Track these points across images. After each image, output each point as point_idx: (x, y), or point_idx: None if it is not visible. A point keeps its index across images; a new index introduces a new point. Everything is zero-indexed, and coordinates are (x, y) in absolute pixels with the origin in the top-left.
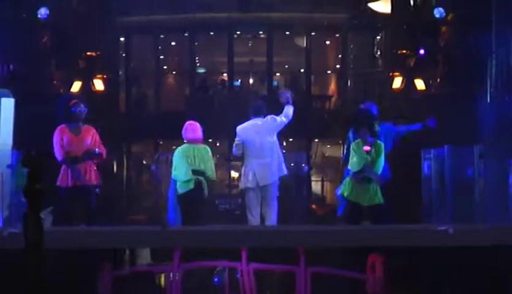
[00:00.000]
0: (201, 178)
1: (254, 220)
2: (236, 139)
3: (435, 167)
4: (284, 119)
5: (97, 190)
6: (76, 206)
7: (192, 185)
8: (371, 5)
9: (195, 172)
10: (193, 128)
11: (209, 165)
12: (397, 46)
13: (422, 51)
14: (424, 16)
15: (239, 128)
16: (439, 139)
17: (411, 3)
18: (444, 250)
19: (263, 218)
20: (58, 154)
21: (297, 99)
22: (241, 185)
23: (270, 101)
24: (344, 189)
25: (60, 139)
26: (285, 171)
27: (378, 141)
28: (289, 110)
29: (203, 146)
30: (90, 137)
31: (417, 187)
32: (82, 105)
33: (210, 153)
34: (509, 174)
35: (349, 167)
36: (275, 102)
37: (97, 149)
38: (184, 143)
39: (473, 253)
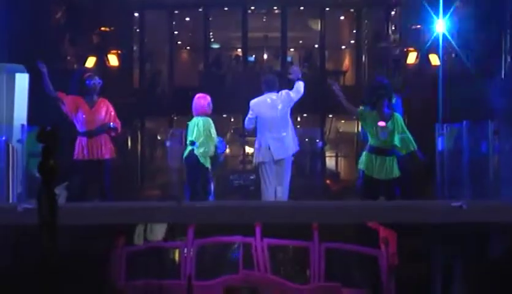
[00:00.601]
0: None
1: (269, 194)
2: (250, 113)
3: (449, 142)
4: (295, 94)
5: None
6: (91, 180)
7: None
8: None
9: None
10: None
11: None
12: (412, 21)
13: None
14: None
15: (252, 102)
16: (454, 115)
17: None
18: (458, 226)
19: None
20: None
21: (311, 74)
22: (255, 160)
23: (284, 76)
24: (361, 163)
25: (74, 108)
26: (297, 148)
27: (396, 114)
28: (300, 86)
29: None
30: (105, 110)
31: (432, 162)
32: (97, 78)
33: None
34: None
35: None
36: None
37: (112, 123)
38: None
39: (487, 229)
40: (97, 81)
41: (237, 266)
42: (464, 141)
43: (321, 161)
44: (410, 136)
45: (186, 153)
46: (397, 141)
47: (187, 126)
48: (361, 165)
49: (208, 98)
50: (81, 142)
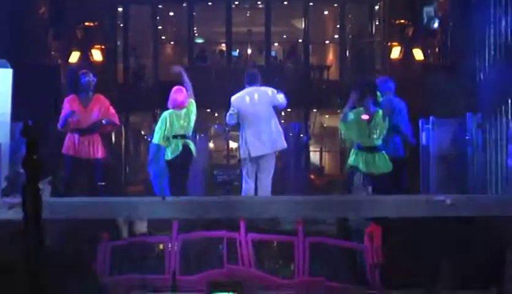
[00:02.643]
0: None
1: (248, 189)
2: (231, 108)
3: (433, 137)
4: (279, 101)
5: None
6: (80, 177)
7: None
8: None
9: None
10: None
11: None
12: (396, 15)
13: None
14: None
15: (233, 97)
16: (438, 109)
17: None
18: (442, 220)
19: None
20: (60, 123)
21: (295, 69)
22: (240, 155)
23: (268, 71)
24: (350, 161)
25: (68, 107)
26: (284, 145)
27: (379, 110)
28: (283, 99)
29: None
30: (99, 108)
31: (416, 156)
32: (91, 74)
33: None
34: (508, 145)
35: (350, 137)
36: (273, 72)
37: (104, 120)
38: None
39: (471, 223)
40: (91, 77)
41: (221, 261)
42: (449, 135)
43: (305, 155)
44: (384, 127)
45: (179, 148)
46: (381, 133)
47: (160, 119)
48: (350, 162)
49: (185, 91)
50: (72, 138)
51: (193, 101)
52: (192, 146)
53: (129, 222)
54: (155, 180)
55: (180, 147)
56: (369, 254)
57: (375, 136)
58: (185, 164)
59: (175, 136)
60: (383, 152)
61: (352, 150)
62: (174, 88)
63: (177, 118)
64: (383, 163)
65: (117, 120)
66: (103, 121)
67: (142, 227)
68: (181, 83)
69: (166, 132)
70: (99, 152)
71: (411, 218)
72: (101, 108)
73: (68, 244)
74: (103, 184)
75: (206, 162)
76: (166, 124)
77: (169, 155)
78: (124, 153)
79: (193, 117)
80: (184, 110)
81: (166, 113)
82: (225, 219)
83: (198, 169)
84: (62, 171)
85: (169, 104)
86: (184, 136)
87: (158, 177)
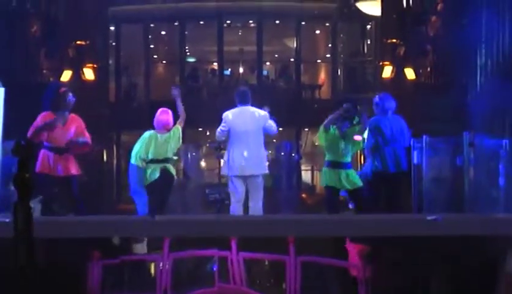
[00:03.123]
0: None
1: (235, 207)
2: (222, 124)
3: (426, 156)
4: (270, 127)
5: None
6: (55, 196)
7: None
8: (359, 5)
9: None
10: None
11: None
12: (387, 35)
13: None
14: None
15: (225, 114)
16: (430, 128)
17: None
18: (433, 240)
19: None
20: (31, 131)
21: (287, 88)
22: (223, 171)
23: (259, 90)
24: (323, 180)
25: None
26: (265, 170)
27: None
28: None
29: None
30: (75, 127)
31: (408, 176)
32: (71, 94)
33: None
34: (499, 164)
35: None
36: (265, 91)
37: (80, 139)
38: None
39: (462, 242)
40: (71, 97)
41: (213, 279)
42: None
43: (296, 174)
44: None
45: (157, 173)
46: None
47: (140, 139)
48: (323, 181)
49: (171, 113)
50: (47, 156)
51: (179, 127)
52: (172, 170)
53: (128, 242)
54: (136, 199)
55: (158, 173)
56: (360, 273)
57: (348, 154)
58: (164, 189)
59: (153, 161)
60: (352, 169)
61: (323, 169)
62: (160, 109)
63: (158, 141)
64: (354, 179)
65: (89, 140)
66: (79, 139)
67: (139, 247)
68: (173, 104)
69: (143, 154)
70: (74, 169)
71: (403, 237)
72: (78, 128)
73: (59, 262)
74: (80, 203)
75: (197, 180)
76: (144, 145)
77: (147, 179)
78: (116, 171)
79: (175, 143)
80: (168, 134)
81: (147, 134)
82: (216, 238)
83: (189, 187)
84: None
85: (155, 125)
86: (162, 161)
87: (138, 197)
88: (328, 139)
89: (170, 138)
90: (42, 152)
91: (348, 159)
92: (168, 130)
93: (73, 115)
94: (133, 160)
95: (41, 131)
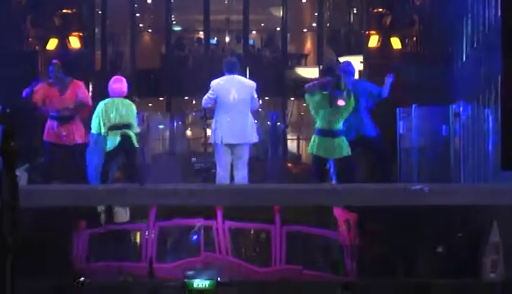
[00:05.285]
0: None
1: (221, 176)
2: (210, 92)
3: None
4: (255, 102)
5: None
6: (59, 164)
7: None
8: None
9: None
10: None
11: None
12: (374, 4)
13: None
14: None
15: (213, 82)
16: (416, 98)
17: None
18: (419, 209)
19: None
20: (26, 91)
21: (273, 57)
22: (211, 139)
23: (246, 59)
24: (311, 146)
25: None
26: (256, 139)
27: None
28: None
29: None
30: (74, 92)
31: (394, 145)
32: (60, 70)
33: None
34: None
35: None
36: (251, 60)
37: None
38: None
39: (448, 212)
40: (60, 73)
41: (198, 248)
42: (425, 124)
43: (282, 144)
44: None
45: (117, 139)
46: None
47: (97, 108)
48: (311, 149)
49: (124, 80)
50: (52, 125)
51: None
52: (133, 137)
53: (111, 211)
54: (91, 169)
55: (119, 138)
56: (346, 242)
57: (338, 121)
58: (126, 155)
59: (112, 127)
60: (343, 137)
61: (313, 136)
62: (114, 78)
63: (115, 108)
64: (343, 148)
65: (88, 102)
66: (78, 99)
67: (124, 216)
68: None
69: (102, 122)
70: (79, 137)
71: (388, 206)
72: (78, 93)
73: (45, 232)
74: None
75: (183, 149)
76: (102, 113)
77: (108, 146)
78: None
79: (133, 108)
80: (124, 100)
81: (102, 103)
82: (202, 207)
83: (175, 156)
84: (41, 157)
85: (110, 92)
86: (122, 127)
87: (95, 166)
88: (317, 107)
89: (130, 104)
90: (48, 121)
91: (339, 126)
92: (123, 96)
93: (74, 81)
94: (93, 129)
95: (32, 90)
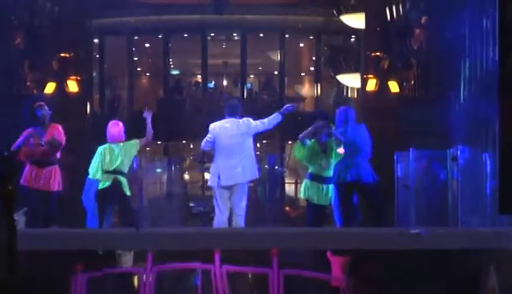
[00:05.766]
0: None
1: (219, 219)
2: (208, 135)
3: (408, 170)
4: (262, 125)
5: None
6: (36, 209)
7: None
8: (343, 18)
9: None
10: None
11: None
12: (371, 48)
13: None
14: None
15: (211, 125)
16: (414, 142)
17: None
18: (416, 253)
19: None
20: (16, 144)
21: (270, 101)
22: (209, 182)
23: (243, 103)
24: (303, 191)
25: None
26: (256, 175)
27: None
28: (276, 118)
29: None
30: (51, 137)
31: (391, 189)
32: (46, 108)
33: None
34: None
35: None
36: (249, 104)
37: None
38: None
39: (445, 256)
40: (46, 111)
41: (196, 293)
42: (422, 169)
43: (280, 187)
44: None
45: (108, 182)
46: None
47: (96, 153)
48: (303, 194)
49: (121, 125)
50: (30, 169)
51: (138, 142)
52: (124, 183)
53: (114, 255)
54: (89, 214)
55: (109, 182)
56: (343, 286)
57: (330, 168)
58: (118, 202)
59: (106, 171)
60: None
61: (304, 181)
62: (111, 122)
63: (110, 153)
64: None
65: (61, 142)
66: (51, 140)
67: (127, 260)
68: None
69: (99, 167)
70: (56, 185)
71: (385, 250)
72: (54, 135)
73: (43, 274)
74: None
75: (181, 193)
76: (99, 158)
77: (98, 187)
78: None
79: (129, 156)
80: (120, 145)
81: (101, 147)
82: (199, 251)
83: (173, 200)
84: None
85: (107, 138)
86: (115, 172)
87: (90, 211)
88: (308, 153)
89: (125, 150)
90: (27, 166)
91: (330, 173)
92: (120, 142)
93: (53, 124)
94: (90, 174)
95: (20, 147)
